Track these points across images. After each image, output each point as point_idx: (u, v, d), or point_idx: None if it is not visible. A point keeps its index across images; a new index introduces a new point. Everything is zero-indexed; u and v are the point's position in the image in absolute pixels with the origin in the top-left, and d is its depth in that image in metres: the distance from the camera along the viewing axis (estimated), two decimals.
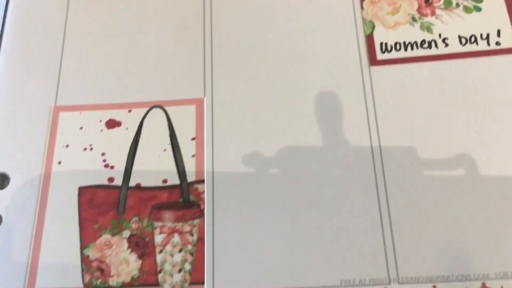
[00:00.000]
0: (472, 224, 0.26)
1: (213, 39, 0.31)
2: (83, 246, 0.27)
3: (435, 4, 0.31)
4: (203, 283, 0.26)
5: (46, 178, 0.28)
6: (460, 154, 0.27)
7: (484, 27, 0.30)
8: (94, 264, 0.26)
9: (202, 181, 0.28)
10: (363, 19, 0.31)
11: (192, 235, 0.27)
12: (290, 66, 0.30)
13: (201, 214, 0.27)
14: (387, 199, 0.26)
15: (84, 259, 0.26)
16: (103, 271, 0.26)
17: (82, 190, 0.28)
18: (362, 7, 0.32)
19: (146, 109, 0.30)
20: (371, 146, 0.28)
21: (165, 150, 0.29)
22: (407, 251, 0.25)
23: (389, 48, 0.30)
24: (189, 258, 0.26)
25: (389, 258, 0.25)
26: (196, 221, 0.27)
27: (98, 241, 0.27)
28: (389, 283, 0.25)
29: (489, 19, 0.30)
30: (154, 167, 0.28)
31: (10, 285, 0.26)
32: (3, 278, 0.26)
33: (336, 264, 0.26)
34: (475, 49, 0.30)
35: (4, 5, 0.33)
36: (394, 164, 0.27)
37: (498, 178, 0.26)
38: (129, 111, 0.30)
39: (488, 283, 0.25)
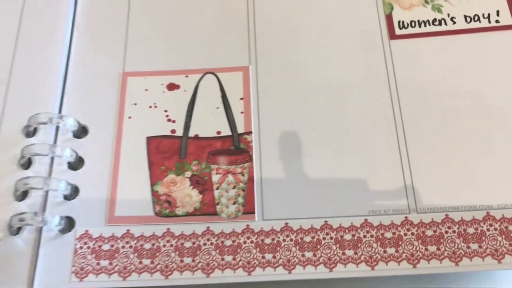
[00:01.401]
0: (478, 161, 0.30)
1: (256, 16, 0.36)
2: (152, 183, 0.31)
3: None
4: (253, 212, 0.30)
5: (119, 130, 0.33)
6: (466, 101, 0.32)
7: (485, 8, 0.35)
8: (163, 197, 0.31)
9: (250, 132, 0.33)
10: (383, 2, 0.36)
11: (243, 175, 0.31)
12: (321, 38, 0.35)
13: (250, 159, 0.32)
14: (406, 144, 0.31)
15: (154, 194, 0.31)
16: (170, 203, 0.31)
17: (149, 139, 0.33)
18: None
19: (200, 75, 0.35)
20: (391, 101, 0.32)
21: (217, 108, 0.34)
22: (423, 185, 0.30)
23: (405, 25, 0.35)
24: (241, 193, 0.31)
25: (408, 191, 0.30)
26: (246, 164, 0.32)
27: (165, 179, 0.31)
28: (409, 212, 0.30)
29: (489, 2, 0.35)
30: (209, 121, 0.33)
31: (94, 214, 0.30)
32: (88, 209, 0.30)
33: (365, 197, 0.30)
34: (478, 26, 0.35)
35: None
36: (411, 113, 0.32)
37: (501, 121, 0.31)
38: (186, 76, 0.35)
39: (491, 212, 0.29)
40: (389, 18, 0.35)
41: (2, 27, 0.36)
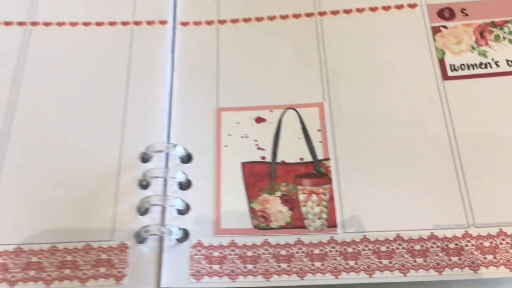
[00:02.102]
0: None
1: (327, 59, 0.42)
2: (249, 201, 0.37)
3: (487, 38, 0.42)
4: (336, 226, 0.36)
5: (218, 156, 0.39)
6: None
7: None
8: (259, 213, 0.37)
9: (328, 159, 0.38)
10: (436, 48, 0.42)
11: (325, 195, 0.37)
12: (383, 77, 0.41)
13: (329, 181, 0.37)
14: (462, 170, 0.37)
15: (252, 210, 0.37)
16: (266, 218, 0.36)
17: (244, 164, 0.39)
18: (434, 39, 0.42)
19: (283, 110, 0.41)
20: (448, 132, 0.38)
21: (299, 138, 0.39)
22: (479, 202, 0.36)
23: (456, 68, 0.41)
24: (325, 210, 0.37)
25: (466, 207, 0.36)
26: (326, 186, 0.37)
27: (260, 198, 0.37)
28: (468, 227, 0.35)
29: None
30: (293, 149, 0.39)
31: (203, 227, 0.36)
32: (198, 222, 0.36)
33: (430, 213, 0.36)
34: None
35: (172, 36, 0.45)
36: (467, 140, 0.37)
37: None
38: (271, 111, 0.41)
39: None
40: (441, 62, 0.41)
41: (114, 71, 0.42)
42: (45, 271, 0.34)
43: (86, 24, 0.45)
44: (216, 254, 0.35)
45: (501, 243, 0.34)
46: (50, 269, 0.34)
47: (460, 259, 0.34)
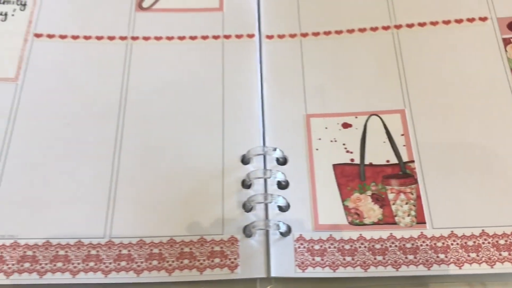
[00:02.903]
0: None
1: (405, 68, 0.45)
2: (343, 200, 0.40)
3: None
4: (424, 222, 0.39)
5: (310, 159, 0.42)
6: None
7: None
8: (352, 210, 0.40)
9: (413, 161, 0.41)
10: (508, 58, 0.45)
11: (412, 194, 0.40)
12: (458, 85, 0.44)
13: (415, 182, 0.40)
14: None
15: (345, 208, 0.40)
16: (359, 215, 0.40)
17: (335, 166, 0.42)
18: (506, 50, 0.45)
19: (367, 116, 0.44)
20: None
21: (384, 142, 0.42)
22: None
23: None
24: (413, 208, 0.39)
25: None
26: (413, 186, 0.40)
27: (352, 197, 0.40)
28: None
29: None
30: (379, 152, 0.42)
31: (303, 222, 0.39)
32: (298, 218, 0.40)
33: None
34: None
35: (259, 48, 0.48)
36: None
37: None
38: (356, 117, 0.44)
39: None
40: None
41: (210, 82, 0.46)
42: (166, 261, 0.38)
43: (181, 38, 0.48)
44: (317, 247, 0.38)
45: None
46: (171, 260, 0.38)
47: None
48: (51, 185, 0.40)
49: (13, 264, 0.37)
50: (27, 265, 0.37)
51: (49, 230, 0.39)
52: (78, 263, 0.37)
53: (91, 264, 0.37)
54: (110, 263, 0.37)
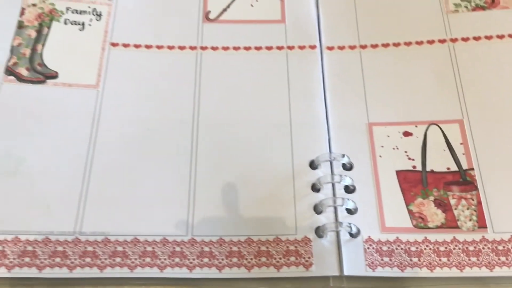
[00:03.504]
0: None
1: (461, 80, 0.47)
2: (407, 204, 0.42)
3: None
4: (486, 227, 0.41)
5: (374, 164, 0.44)
6: None
7: None
8: (417, 214, 0.42)
9: (473, 169, 0.43)
10: None
11: (473, 200, 0.42)
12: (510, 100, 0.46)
13: (476, 188, 0.42)
14: None
15: (410, 212, 0.42)
16: (423, 218, 0.42)
17: (398, 172, 0.44)
18: None
19: (426, 125, 0.46)
20: None
21: (444, 150, 0.45)
22: None
23: None
24: (474, 213, 0.42)
25: None
26: (473, 192, 0.42)
27: (416, 201, 0.43)
28: None
29: None
30: (439, 160, 0.44)
31: (371, 225, 0.42)
32: (366, 220, 0.42)
33: None
34: None
35: (321, 59, 0.50)
36: None
37: None
38: (416, 126, 0.46)
39: None
40: None
41: (277, 90, 0.48)
42: (245, 259, 0.40)
43: (246, 48, 0.51)
44: (385, 248, 0.41)
45: None
46: (249, 257, 0.40)
47: None
48: (136, 186, 0.43)
49: (105, 259, 0.40)
50: (118, 259, 0.40)
51: (137, 227, 0.41)
52: (165, 259, 0.40)
53: (177, 260, 0.40)
54: (193, 259, 0.40)
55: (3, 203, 0.42)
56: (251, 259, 0.40)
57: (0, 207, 0.41)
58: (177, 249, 0.41)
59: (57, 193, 0.42)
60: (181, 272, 0.40)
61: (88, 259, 0.40)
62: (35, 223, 0.41)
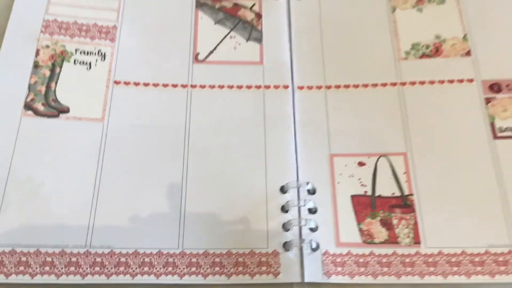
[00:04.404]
0: None
1: (408, 120, 0.56)
2: (358, 223, 0.51)
3: None
4: (420, 243, 0.50)
5: (333, 190, 0.53)
6: None
7: None
8: (366, 232, 0.51)
9: (412, 194, 0.52)
10: (488, 114, 0.56)
11: (411, 220, 0.51)
12: (447, 136, 0.55)
13: (414, 211, 0.51)
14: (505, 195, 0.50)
15: (360, 230, 0.51)
16: (370, 235, 0.51)
17: (353, 197, 0.53)
18: (487, 107, 0.56)
19: (377, 157, 0.55)
20: (495, 172, 0.52)
21: (390, 178, 0.53)
22: None
23: (503, 130, 0.55)
24: (411, 231, 0.51)
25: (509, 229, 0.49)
26: (412, 214, 0.51)
27: (365, 221, 0.51)
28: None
29: None
30: (387, 186, 0.53)
31: (328, 240, 0.50)
32: (324, 237, 0.50)
33: (484, 232, 0.49)
34: None
35: (292, 97, 0.59)
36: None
37: None
38: (368, 157, 0.55)
39: None
40: (492, 125, 0.55)
41: (255, 123, 0.56)
42: (225, 268, 0.49)
43: (230, 86, 0.59)
44: (339, 259, 0.49)
45: None
46: (229, 267, 0.49)
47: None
48: (136, 206, 0.51)
49: (111, 268, 0.48)
50: (121, 268, 0.48)
51: (137, 242, 0.49)
52: (160, 268, 0.48)
53: (170, 269, 0.48)
54: (184, 269, 0.48)
55: (26, 221, 0.49)
56: (231, 268, 0.49)
57: (24, 224, 0.49)
58: (170, 260, 0.49)
59: (71, 212, 0.50)
60: (173, 279, 0.48)
61: (97, 268, 0.48)
62: (52, 237, 0.49)
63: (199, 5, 0.64)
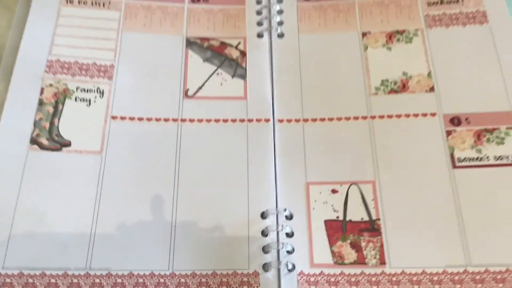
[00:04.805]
0: None
1: (377, 151, 0.62)
2: (331, 246, 0.57)
3: (482, 140, 0.61)
4: (385, 263, 0.56)
5: (309, 215, 0.59)
6: None
7: (507, 151, 0.60)
8: (337, 254, 0.56)
9: (379, 219, 0.58)
10: (448, 145, 0.62)
11: (378, 243, 0.57)
12: (411, 166, 0.61)
13: (380, 234, 0.57)
14: (464, 227, 0.56)
15: (332, 252, 0.56)
16: (341, 257, 0.56)
17: (326, 221, 0.58)
18: (447, 139, 0.62)
19: (348, 185, 0.60)
20: (454, 201, 0.58)
21: (360, 204, 0.59)
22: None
23: (462, 160, 0.60)
24: (378, 253, 0.56)
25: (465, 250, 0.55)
26: (378, 237, 0.57)
27: (337, 244, 0.57)
28: (466, 266, 0.55)
29: (506, 148, 0.60)
30: (357, 211, 0.59)
31: (303, 262, 0.56)
32: (300, 258, 0.56)
33: (442, 253, 0.55)
34: (504, 162, 0.60)
35: (273, 129, 0.64)
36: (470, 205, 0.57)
37: None
38: (341, 185, 0.61)
39: None
40: (452, 155, 0.61)
41: (239, 154, 0.62)
42: (211, 287, 0.54)
43: (216, 120, 0.65)
44: (312, 279, 0.55)
45: None
46: (214, 286, 0.54)
47: None
48: (131, 232, 0.57)
49: None
50: None
51: (131, 264, 0.55)
52: None
53: None
54: None
55: (33, 246, 0.55)
56: (216, 287, 0.54)
57: (30, 249, 0.55)
58: (161, 280, 0.54)
59: (72, 238, 0.56)
60: None
61: None
62: (56, 261, 0.54)
63: (189, 44, 0.70)
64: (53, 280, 0.53)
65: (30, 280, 0.53)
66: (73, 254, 0.55)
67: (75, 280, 0.54)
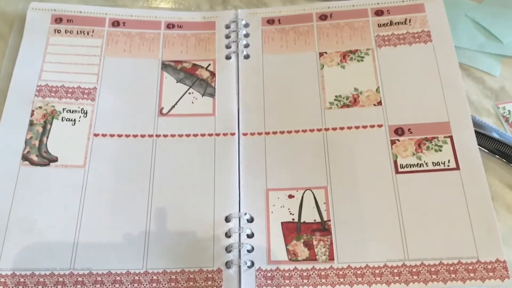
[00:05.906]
0: None
1: (330, 159, 0.69)
2: (286, 244, 0.64)
3: (422, 148, 0.68)
4: (333, 259, 0.62)
5: (268, 218, 0.66)
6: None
7: (442, 158, 0.67)
8: (291, 251, 0.63)
9: (330, 220, 0.65)
10: (392, 153, 0.68)
11: (328, 241, 0.63)
12: (359, 173, 0.67)
13: (330, 234, 0.64)
14: (403, 223, 0.63)
15: (287, 250, 0.63)
16: (295, 254, 0.63)
17: (283, 223, 0.65)
18: (392, 148, 0.69)
19: (303, 190, 0.67)
20: (397, 209, 0.64)
21: (313, 207, 0.66)
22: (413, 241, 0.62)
23: (403, 166, 0.67)
24: (327, 250, 0.63)
25: (404, 245, 0.62)
26: (328, 236, 0.64)
27: (292, 243, 0.63)
28: (404, 260, 0.61)
29: (443, 155, 0.67)
30: (310, 214, 0.65)
31: (261, 259, 0.63)
32: (258, 256, 0.63)
33: (383, 248, 0.62)
34: (440, 167, 0.66)
35: (238, 142, 0.72)
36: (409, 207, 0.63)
37: None
38: (297, 191, 0.67)
39: None
40: (395, 162, 0.68)
41: (207, 165, 0.69)
42: (180, 283, 0.61)
43: (187, 135, 0.72)
44: (269, 274, 0.62)
45: None
46: (182, 282, 0.61)
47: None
48: (110, 235, 0.64)
49: (90, 286, 0.60)
50: (98, 286, 0.60)
51: (110, 264, 0.62)
52: (128, 285, 0.61)
53: (136, 285, 0.61)
54: (147, 285, 0.61)
55: (24, 250, 0.62)
56: (184, 283, 0.61)
57: (22, 252, 0.62)
58: (136, 278, 0.61)
59: (58, 242, 0.63)
60: None
61: (79, 286, 0.60)
62: (44, 262, 0.62)
63: (164, 66, 0.77)
64: (41, 279, 0.60)
65: (22, 280, 0.60)
66: (59, 256, 0.62)
67: (60, 279, 0.61)
